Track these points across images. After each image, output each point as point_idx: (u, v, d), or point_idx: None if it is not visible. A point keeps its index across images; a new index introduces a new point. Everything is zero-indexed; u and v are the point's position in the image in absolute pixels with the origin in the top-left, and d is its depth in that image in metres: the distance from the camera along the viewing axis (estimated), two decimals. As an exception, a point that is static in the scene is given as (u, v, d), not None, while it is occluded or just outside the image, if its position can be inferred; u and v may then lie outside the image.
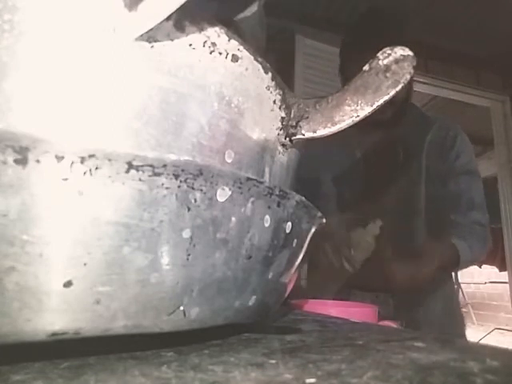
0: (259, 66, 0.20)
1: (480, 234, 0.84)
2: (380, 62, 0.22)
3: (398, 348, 0.18)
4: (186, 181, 0.14)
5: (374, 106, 0.21)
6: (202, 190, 0.15)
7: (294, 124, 0.22)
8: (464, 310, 4.55)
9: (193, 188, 0.15)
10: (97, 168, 0.13)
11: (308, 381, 0.13)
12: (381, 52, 0.22)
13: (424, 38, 1.97)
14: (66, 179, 0.13)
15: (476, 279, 4.78)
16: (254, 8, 0.32)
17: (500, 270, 3.86)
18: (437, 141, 0.87)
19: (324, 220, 0.24)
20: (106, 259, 0.13)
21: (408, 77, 0.21)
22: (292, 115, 0.22)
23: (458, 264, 0.80)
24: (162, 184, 0.14)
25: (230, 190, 0.16)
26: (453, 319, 0.85)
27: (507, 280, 2.36)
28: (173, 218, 0.14)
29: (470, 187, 0.86)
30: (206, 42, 0.17)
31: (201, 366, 0.15)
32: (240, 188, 0.16)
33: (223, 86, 0.18)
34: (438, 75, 2.14)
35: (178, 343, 0.18)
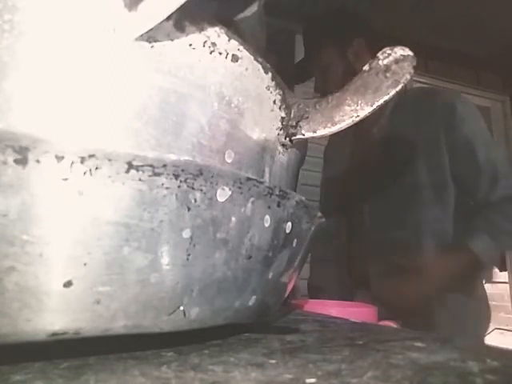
0: (259, 66, 0.20)
1: None
2: (380, 62, 0.22)
3: (398, 348, 0.18)
4: (186, 181, 0.14)
5: (374, 106, 0.21)
6: (201, 190, 0.15)
7: (294, 124, 0.22)
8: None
9: (193, 188, 0.15)
10: (97, 168, 0.13)
11: (308, 381, 0.13)
12: (381, 52, 0.22)
13: (424, 38, 1.97)
14: (65, 179, 0.13)
15: (476, 279, 4.77)
16: (254, 8, 0.32)
17: (500, 270, 3.86)
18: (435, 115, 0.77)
19: (324, 220, 0.24)
20: (106, 259, 0.13)
21: (408, 77, 0.21)
22: (292, 115, 0.22)
23: (481, 267, 0.73)
24: (162, 184, 0.14)
25: (230, 189, 0.16)
26: (471, 324, 0.77)
27: (507, 280, 2.36)
28: (173, 218, 0.14)
29: (488, 157, 0.75)
30: (206, 42, 0.17)
31: (201, 365, 0.15)
32: (240, 188, 0.16)
33: (223, 86, 0.18)
34: (437, 75, 2.14)
35: (178, 343, 0.18)
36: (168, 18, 0.15)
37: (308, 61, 0.92)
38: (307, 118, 0.22)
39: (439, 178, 0.79)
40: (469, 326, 0.75)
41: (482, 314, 0.79)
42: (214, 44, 0.18)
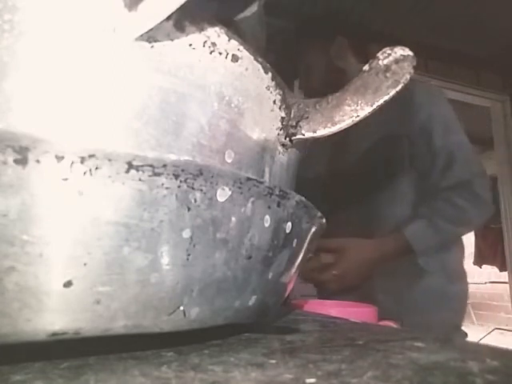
0: (259, 66, 0.20)
1: (464, 196, 0.72)
2: (380, 62, 0.22)
3: (398, 348, 0.18)
4: (186, 181, 0.14)
5: (374, 106, 0.21)
6: (202, 190, 0.15)
7: (294, 124, 0.22)
8: (464, 310, 4.52)
9: (193, 188, 0.15)
10: (97, 168, 0.13)
11: (308, 381, 0.13)
12: (381, 52, 0.22)
13: (424, 38, 1.97)
14: (66, 179, 0.13)
15: (476, 279, 4.78)
16: (254, 8, 0.32)
17: (500, 270, 3.87)
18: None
19: (324, 220, 0.24)
20: (106, 259, 0.13)
21: (408, 77, 0.21)
22: (292, 115, 0.22)
23: (409, 252, 0.71)
24: (162, 184, 0.14)
25: (230, 189, 0.16)
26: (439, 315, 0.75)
27: (507, 280, 2.36)
28: (173, 218, 0.14)
29: (445, 142, 0.75)
30: (206, 42, 0.17)
31: (201, 365, 0.15)
32: (240, 188, 0.16)
33: (223, 86, 0.18)
34: (438, 75, 2.14)
35: (178, 343, 0.18)
36: (168, 18, 0.15)
37: (294, 59, 0.93)
38: (307, 117, 0.22)
39: (398, 166, 0.79)
40: (419, 317, 0.72)
41: (437, 307, 0.75)
42: (214, 44, 0.18)
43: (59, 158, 0.12)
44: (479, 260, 4.41)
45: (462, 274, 0.82)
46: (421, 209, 0.74)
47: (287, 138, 0.22)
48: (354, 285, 0.73)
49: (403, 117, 0.78)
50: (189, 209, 0.15)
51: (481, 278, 4.68)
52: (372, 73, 0.21)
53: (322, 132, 0.21)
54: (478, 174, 0.74)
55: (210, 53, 0.18)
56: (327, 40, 0.87)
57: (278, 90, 0.21)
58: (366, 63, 0.22)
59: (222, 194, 0.16)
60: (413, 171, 0.78)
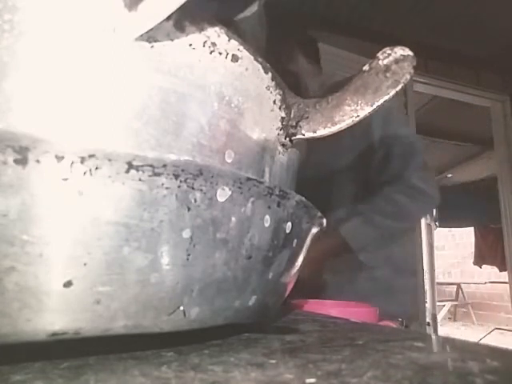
0: (259, 66, 0.20)
1: (402, 191, 0.70)
2: (380, 62, 0.22)
3: (398, 348, 0.18)
4: (186, 181, 0.14)
5: (374, 106, 0.21)
6: (201, 190, 0.15)
7: (294, 124, 0.22)
8: (464, 309, 4.54)
9: (193, 188, 0.15)
10: (97, 168, 0.13)
11: (308, 381, 0.13)
12: (381, 52, 0.22)
13: (424, 38, 1.97)
14: (66, 179, 0.13)
15: (476, 279, 4.79)
16: (254, 8, 0.32)
17: (500, 270, 3.87)
18: None
19: (324, 220, 0.24)
20: (106, 259, 0.13)
21: (408, 77, 0.21)
22: (292, 115, 0.22)
23: (348, 249, 0.70)
24: (162, 184, 0.14)
25: (230, 189, 0.16)
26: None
27: (507, 280, 2.36)
28: (173, 218, 0.14)
29: (383, 135, 0.72)
30: (206, 42, 0.17)
31: (201, 365, 0.15)
32: (240, 188, 0.16)
33: (223, 86, 0.18)
34: (438, 75, 2.14)
35: (178, 343, 0.18)
36: (168, 18, 0.15)
37: None
38: (307, 118, 0.22)
39: (339, 163, 0.77)
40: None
41: (382, 299, 0.71)
42: (214, 44, 0.18)
43: (59, 158, 0.12)
44: (479, 260, 4.42)
45: (412, 267, 0.80)
46: (359, 206, 0.73)
47: (287, 138, 0.22)
48: (303, 284, 0.73)
49: None
50: (189, 209, 0.15)
51: (481, 278, 4.68)
52: (372, 73, 0.21)
53: (322, 132, 0.21)
54: (416, 167, 0.72)
55: (210, 53, 0.18)
56: (277, 42, 0.78)
57: (278, 90, 0.21)
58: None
59: (222, 194, 0.16)
60: (354, 168, 0.77)
